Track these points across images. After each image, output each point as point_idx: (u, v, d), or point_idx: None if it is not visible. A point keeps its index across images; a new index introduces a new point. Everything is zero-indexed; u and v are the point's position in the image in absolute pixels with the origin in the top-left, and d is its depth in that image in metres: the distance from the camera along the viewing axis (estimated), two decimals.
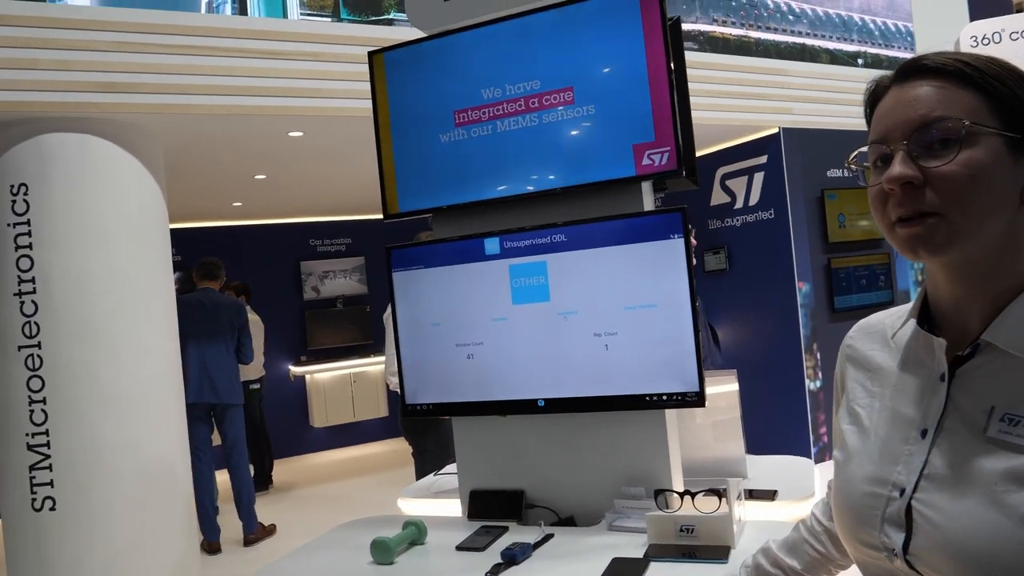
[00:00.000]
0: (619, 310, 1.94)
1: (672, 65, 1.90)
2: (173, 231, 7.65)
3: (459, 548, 1.90)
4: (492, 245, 2.06)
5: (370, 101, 2.19)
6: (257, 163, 5.27)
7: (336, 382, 8.12)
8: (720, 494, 1.78)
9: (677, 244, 1.87)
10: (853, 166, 0.93)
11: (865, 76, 0.91)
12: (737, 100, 5.18)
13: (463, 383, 2.11)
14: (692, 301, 1.87)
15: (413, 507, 2.42)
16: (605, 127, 1.96)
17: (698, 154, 5.94)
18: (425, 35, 2.21)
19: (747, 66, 5.38)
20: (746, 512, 1.92)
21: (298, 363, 8.12)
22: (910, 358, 0.95)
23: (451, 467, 2.47)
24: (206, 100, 3.85)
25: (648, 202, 2.03)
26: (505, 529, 2.00)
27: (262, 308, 7.92)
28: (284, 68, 3.93)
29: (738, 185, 5.84)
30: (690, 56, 5.01)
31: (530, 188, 2.05)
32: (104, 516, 3.60)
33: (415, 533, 1.96)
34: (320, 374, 8.08)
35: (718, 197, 5.95)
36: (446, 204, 2.14)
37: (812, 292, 5.56)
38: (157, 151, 4.11)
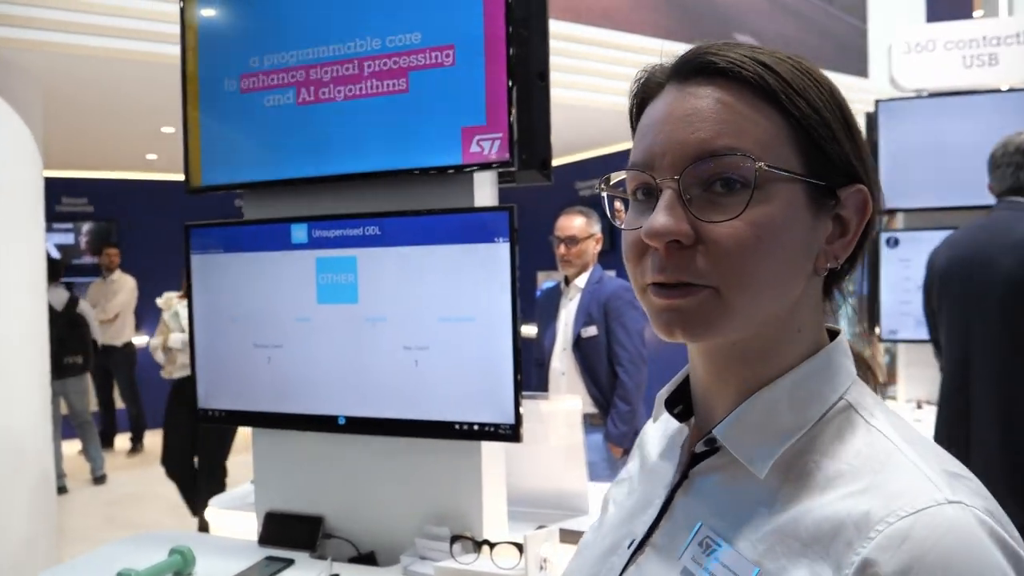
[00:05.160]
0: (432, 321, 1.65)
1: (511, 43, 1.59)
2: (85, 180, 7.27)
3: None
4: (299, 233, 1.76)
5: None
6: (163, 115, 4.88)
7: None
8: (520, 548, 1.52)
9: (501, 249, 1.58)
10: (606, 192, 0.65)
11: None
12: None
13: (261, 390, 1.82)
14: (514, 318, 1.59)
15: (218, 519, 2.13)
16: (433, 104, 1.66)
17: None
18: None
19: (639, 46, 4.50)
20: (562, 561, 1.66)
21: None
22: (668, 446, 0.72)
23: None
24: (90, 41, 3.47)
25: (483, 196, 1.74)
26: (290, 563, 1.73)
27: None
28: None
29: None
30: (579, 31, 4.33)
31: (349, 169, 1.75)
32: None
33: (179, 564, 1.67)
34: None
35: None
36: (256, 180, 1.83)
37: None
38: (31, 91, 3.72)
